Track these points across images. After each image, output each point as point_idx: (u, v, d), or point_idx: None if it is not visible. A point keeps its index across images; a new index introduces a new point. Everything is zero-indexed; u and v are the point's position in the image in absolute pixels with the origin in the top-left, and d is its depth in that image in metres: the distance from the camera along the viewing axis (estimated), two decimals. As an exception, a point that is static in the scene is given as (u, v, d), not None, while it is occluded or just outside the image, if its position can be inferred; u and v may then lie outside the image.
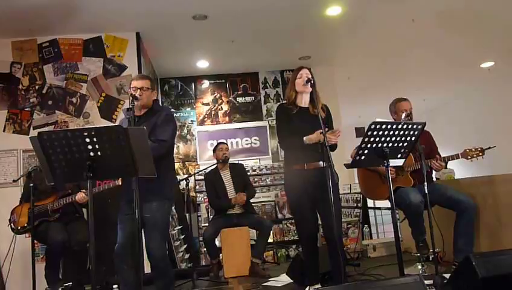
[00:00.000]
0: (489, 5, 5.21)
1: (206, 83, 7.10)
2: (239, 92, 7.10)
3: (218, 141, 5.10)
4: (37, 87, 4.99)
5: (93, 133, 2.17)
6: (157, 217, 2.98)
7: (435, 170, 3.69)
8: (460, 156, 3.47)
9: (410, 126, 2.65)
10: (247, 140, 6.89)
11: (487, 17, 5.55)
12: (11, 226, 3.87)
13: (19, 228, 3.84)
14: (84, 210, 4.10)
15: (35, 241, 3.82)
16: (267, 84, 7.13)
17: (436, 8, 5.22)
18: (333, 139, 2.92)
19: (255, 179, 6.21)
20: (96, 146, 2.20)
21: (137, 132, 2.34)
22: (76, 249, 3.76)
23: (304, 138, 3.01)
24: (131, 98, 2.89)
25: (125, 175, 2.62)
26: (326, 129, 2.91)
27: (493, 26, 5.86)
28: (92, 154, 2.21)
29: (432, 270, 3.30)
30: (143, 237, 2.95)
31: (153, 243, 2.96)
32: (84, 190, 3.75)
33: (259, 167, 6.45)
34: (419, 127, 2.67)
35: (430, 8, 5.21)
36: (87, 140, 2.18)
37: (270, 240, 5.09)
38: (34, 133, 4.86)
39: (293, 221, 5.79)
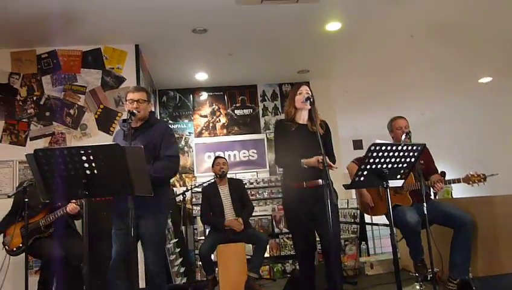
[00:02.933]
0: (487, 20, 5.24)
1: (204, 95, 7.09)
2: (237, 105, 7.09)
3: (216, 155, 5.06)
4: (34, 98, 4.96)
5: (89, 151, 2.16)
6: (153, 233, 2.98)
7: (436, 191, 3.65)
8: (461, 181, 3.43)
9: (410, 147, 2.63)
10: (244, 153, 6.87)
11: (484, 32, 5.58)
12: (5, 249, 3.80)
13: (14, 249, 3.77)
14: (77, 222, 4.06)
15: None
16: (266, 97, 7.12)
17: (434, 23, 5.24)
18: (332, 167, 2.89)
19: (252, 192, 6.17)
20: (93, 164, 2.18)
21: (135, 150, 2.32)
22: (74, 264, 3.70)
23: (302, 160, 3.00)
24: (129, 114, 2.89)
25: (122, 193, 2.58)
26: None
27: (490, 41, 5.89)
28: (88, 172, 2.20)
29: (430, 290, 3.27)
30: (138, 252, 2.94)
31: (149, 258, 2.96)
32: (74, 200, 3.69)
33: (256, 180, 6.43)
34: (419, 148, 2.66)
35: (429, 23, 5.23)
36: (84, 158, 2.17)
37: (267, 254, 5.03)
38: (30, 144, 4.84)
39: (289, 235, 5.76)
